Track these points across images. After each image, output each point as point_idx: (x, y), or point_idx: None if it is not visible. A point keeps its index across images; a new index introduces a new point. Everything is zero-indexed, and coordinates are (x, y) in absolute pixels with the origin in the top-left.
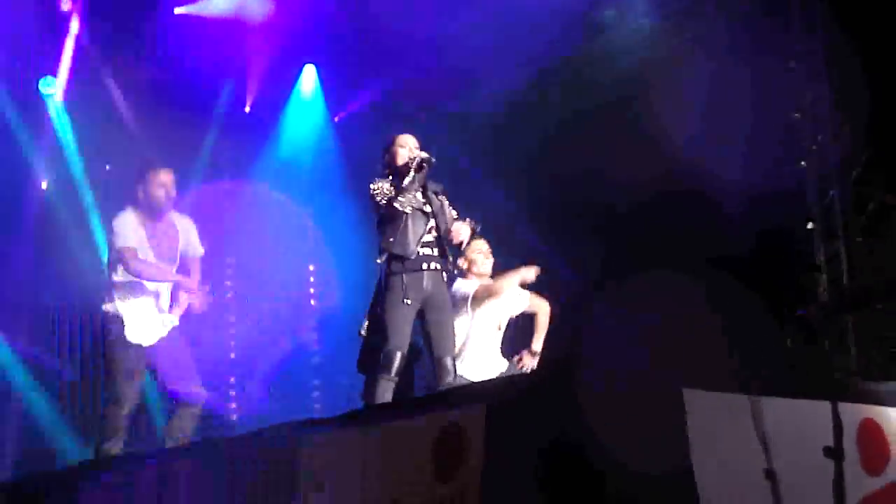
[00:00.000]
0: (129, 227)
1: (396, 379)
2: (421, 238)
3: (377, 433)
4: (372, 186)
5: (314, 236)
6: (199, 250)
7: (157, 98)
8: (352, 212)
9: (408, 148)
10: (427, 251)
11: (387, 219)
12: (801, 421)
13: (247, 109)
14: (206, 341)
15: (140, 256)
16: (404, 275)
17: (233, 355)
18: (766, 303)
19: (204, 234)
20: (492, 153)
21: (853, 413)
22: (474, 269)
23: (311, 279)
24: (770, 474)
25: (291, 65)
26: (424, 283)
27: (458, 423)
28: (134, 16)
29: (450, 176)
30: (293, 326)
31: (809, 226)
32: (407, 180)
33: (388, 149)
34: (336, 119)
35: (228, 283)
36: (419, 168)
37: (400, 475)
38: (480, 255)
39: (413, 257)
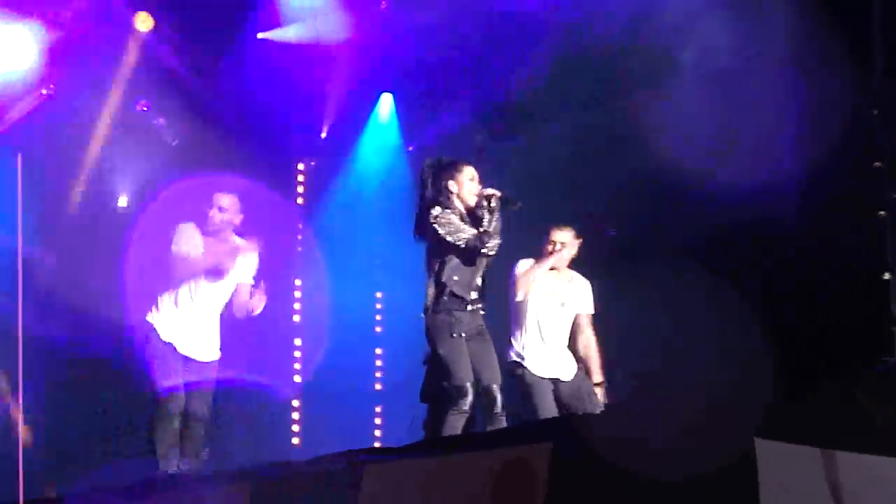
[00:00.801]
0: (184, 236)
1: (468, 413)
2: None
3: (439, 465)
4: (436, 215)
5: (383, 263)
6: (249, 280)
7: (235, 121)
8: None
9: (475, 182)
10: (475, 293)
11: (453, 254)
12: (876, 478)
13: (323, 135)
14: (268, 363)
15: (187, 267)
16: (455, 312)
17: (297, 378)
18: (841, 354)
19: (273, 256)
20: (558, 189)
21: None
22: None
23: (378, 305)
24: None
25: (368, 93)
26: (468, 318)
27: (524, 459)
28: (215, 39)
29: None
30: (357, 351)
31: (886, 276)
32: (492, 224)
33: (450, 176)
34: (410, 149)
35: (297, 305)
36: (501, 207)
37: None
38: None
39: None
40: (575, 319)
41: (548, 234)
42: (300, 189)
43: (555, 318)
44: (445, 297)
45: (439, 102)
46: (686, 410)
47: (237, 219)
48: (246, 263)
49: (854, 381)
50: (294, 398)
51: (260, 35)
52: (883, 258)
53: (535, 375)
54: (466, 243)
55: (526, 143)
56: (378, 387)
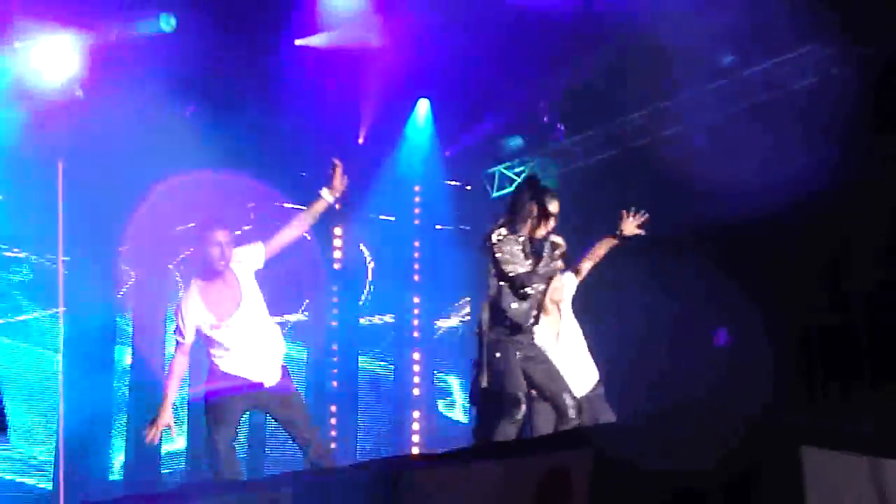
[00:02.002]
0: (186, 314)
1: (521, 422)
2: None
3: (480, 472)
4: (499, 238)
5: (421, 267)
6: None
7: (274, 127)
8: (456, 245)
9: (553, 218)
10: (533, 320)
11: (508, 286)
12: None
13: (360, 141)
14: (306, 369)
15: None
16: (512, 338)
17: (335, 384)
18: (886, 362)
19: (308, 260)
20: (599, 194)
21: None
22: None
23: (415, 311)
24: None
25: (405, 98)
26: (526, 339)
27: (565, 467)
28: (252, 44)
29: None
30: (392, 354)
31: None
32: (545, 269)
33: (539, 197)
34: (447, 154)
35: (335, 310)
36: (559, 259)
37: None
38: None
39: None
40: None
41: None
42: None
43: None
44: (501, 326)
45: (476, 108)
46: (730, 418)
47: (230, 253)
48: (249, 276)
49: None
50: (331, 403)
51: (298, 42)
52: None
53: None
54: (516, 277)
55: (562, 148)
56: (416, 392)
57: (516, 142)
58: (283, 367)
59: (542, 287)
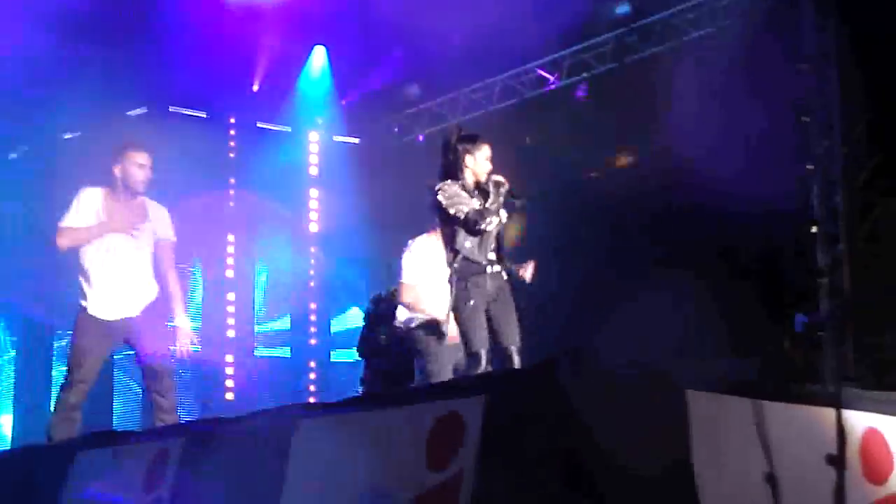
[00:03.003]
0: (81, 205)
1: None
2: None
3: (372, 419)
4: (440, 186)
5: (320, 220)
6: (172, 237)
7: (168, 76)
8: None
9: (488, 161)
10: (491, 255)
11: (462, 227)
12: (804, 427)
13: (255, 88)
14: (204, 320)
15: (90, 231)
16: (472, 277)
17: (231, 334)
18: (770, 306)
19: (199, 207)
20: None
21: (857, 422)
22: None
23: (312, 261)
24: (771, 479)
25: (301, 46)
26: (488, 284)
27: (457, 413)
28: None
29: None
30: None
31: (813, 230)
32: (494, 204)
33: (465, 148)
34: (344, 102)
35: (230, 261)
36: (506, 196)
37: (391, 462)
38: None
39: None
40: None
41: None
42: (232, 144)
43: None
44: (457, 265)
45: (374, 55)
46: (618, 364)
47: (151, 175)
48: (163, 223)
49: (782, 333)
50: (228, 352)
51: None
52: (810, 212)
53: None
54: (466, 215)
55: (455, 99)
56: (313, 342)
57: (414, 90)
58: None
59: (495, 220)
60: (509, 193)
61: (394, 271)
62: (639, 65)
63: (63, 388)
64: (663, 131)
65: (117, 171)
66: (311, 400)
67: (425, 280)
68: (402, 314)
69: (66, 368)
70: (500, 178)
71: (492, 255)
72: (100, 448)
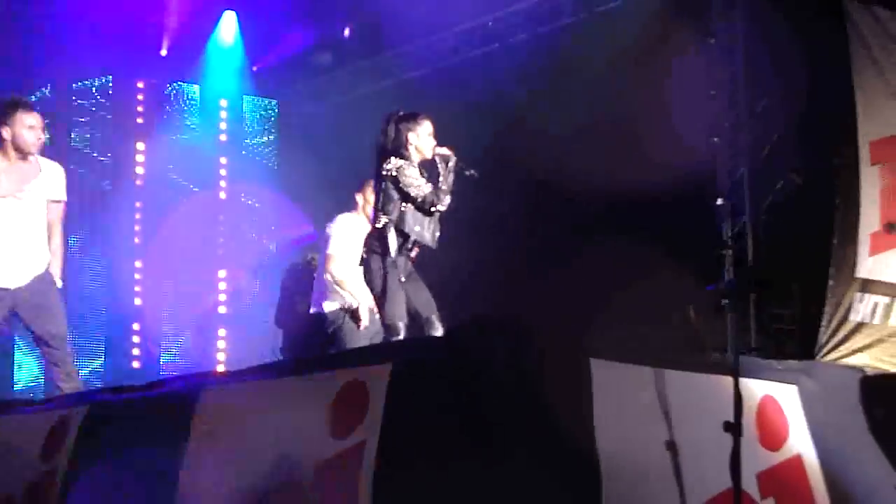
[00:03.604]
0: None
1: None
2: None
3: (275, 387)
4: (397, 166)
5: (229, 189)
6: (62, 197)
7: (71, 35)
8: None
9: (432, 136)
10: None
11: (417, 208)
12: (702, 395)
13: (163, 53)
14: (108, 288)
15: None
16: (396, 259)
17: (138, 301)
18: (675, 277)
19: (108, 176)
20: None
21: (753, 389)
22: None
23: (221, 229)
24: (671, 446)
25: (211, 10)
26: (403, 262)
27: (362, 382)
28: None
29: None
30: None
31: (719, 202)
32: (447, 183)
33: (409, 128)
34: (255, 69)
35: (137, 227)
36: (456, 171)
37: (295, 429)
38: None
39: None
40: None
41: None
42: (140, 109)
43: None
44: (409, 246)
45: (285, 22)
46: (523, 332)
47: (43, 136)
48: (56, 182)
49: (686, 302)
50: (135, 321)
51: None
52: (714, 184)
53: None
54: (424, 198)
55: (371, 66)
56: (222, 310)
57: (325, 57)
58: (45, 274)
59: (447, 200)
60: (458, 166)
61: (318, 242)
62: (548, 37)
63: None
64: (574, 104)
65: (5, 132)
66: (219, 368)
67: (349, 255)
68: (328, 303)
69: None
70: (445, 150)
71: (437, 236)
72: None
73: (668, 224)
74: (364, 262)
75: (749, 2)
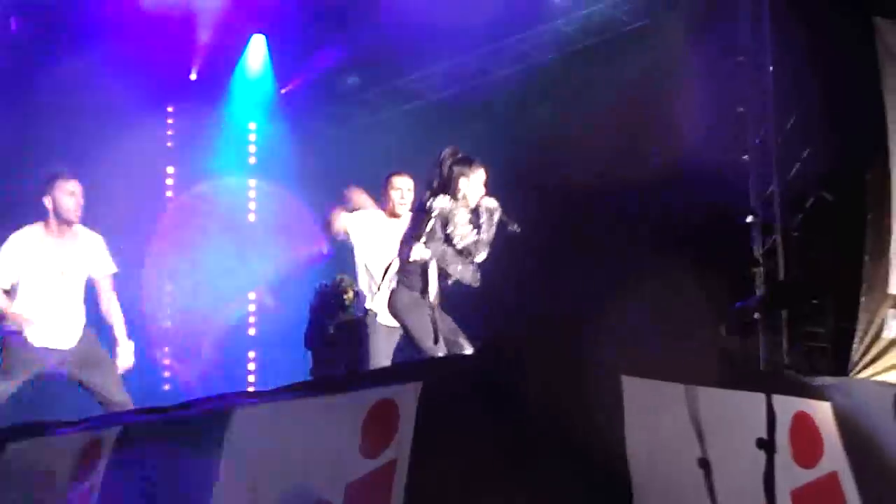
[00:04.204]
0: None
1: None
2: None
3: (306, 406)
4: (449, 209)
5: (258, 211)
6: (110, 268)
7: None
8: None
9: (483, 185)
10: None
11: (448, 248)
12: (735, 412)
13: (192, 77)
14: (139, 309)
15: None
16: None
17: (168, 324)
18: (706, 294)
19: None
20: (445, 131)
21: (787, 406)
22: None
23: (250, 250)
24: (703, 463)
25: (239, 34)
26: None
27: (391, 400)
28: None
29: (396, 146)
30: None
31: (749, 219)
32: (487, 235)
33: (461, 171)
34: (283, 91)
35: (167, 248)
36: (498, 227)
37: (325, 449)
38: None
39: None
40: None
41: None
42: (169, 133)
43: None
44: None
45: (313, 44)
46: (554, 351)
47: (82, 201)
48: (100, 254)
49: (717, 320)
50: (165, 343)
51: None
52: (746, 202)
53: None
54: (465, 247)
55: (400, 87)
56: (252, 332)
57: (353, 79)
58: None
59: (485, 252)
60: (502, 219)
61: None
62: (580, 55)
63: None
64: (604, 123)
65: (47, 201)
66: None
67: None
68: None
69: None
70: (492, 202)
71: (478, 276)
72: (28, 439)
73: (698, 242)
74: (395, 293)
75: (777, 17)
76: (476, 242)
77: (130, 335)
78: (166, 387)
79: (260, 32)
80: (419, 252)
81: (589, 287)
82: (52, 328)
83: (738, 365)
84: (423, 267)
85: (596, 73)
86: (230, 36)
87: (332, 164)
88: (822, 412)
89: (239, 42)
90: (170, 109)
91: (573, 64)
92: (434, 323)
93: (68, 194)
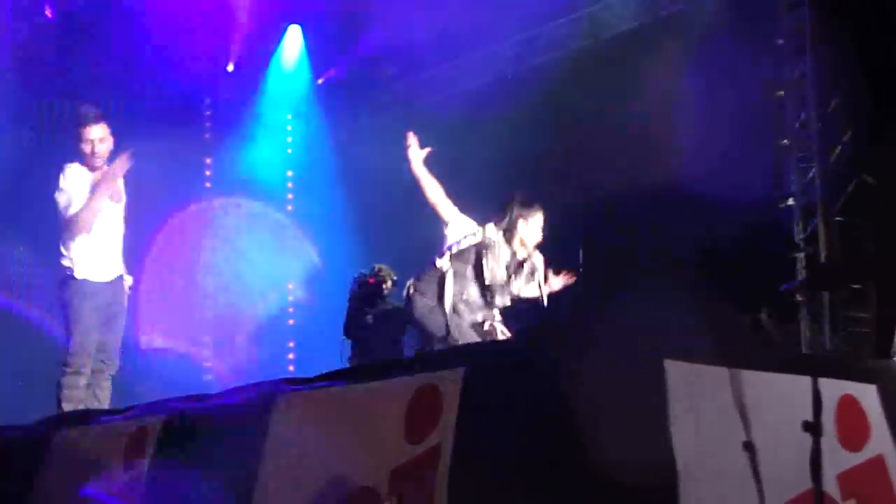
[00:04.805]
0: (74, 184)
1: None
2: None
3: (350, 393)
4: (494, 239)
5: (296, 202)
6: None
7: (140, 53)
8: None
9: (539, 229)
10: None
11: (477, 283)
12: (780, 395)
13: (230, 69)
14: (180, 297)
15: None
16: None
17: (209, 315)
18: (748, 278)
19: (178, 192)
20: (478, 121)
21: (832, 389)
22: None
23: (288, 241)
24: (749, 447)
25: (275, 25)
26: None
27: (435, 386)
28: None
29: (434, 139)
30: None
31: (790, 202)
32: (516, 286)
33: (521, 213)
34: (320, 81)
35: (206, 241)
36: (528, 280)
37: (369, 435)
38: None
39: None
40: None
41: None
42: (208, 125)
43: None
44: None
45: (349, 35)
46: (595, 335)
47: (111, 144)
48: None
49: (759, 304)
50: (205, 334)
51: None
52: (786, 186)
53: None
54: (491, 286)
55: (437, 75)
56: (291, 322)
57: (389, 69)
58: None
59: (506, 302)
60: (539, 276)
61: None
62: (614, 41)
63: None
64: (638, 111)
65: (86, 147)
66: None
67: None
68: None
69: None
70: (539, 260)
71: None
72: (76, 427)
73: (740, 226)
74: (410, 299)
75: (814, 1)
76: (501, 287)
77: (171, 327)
78: (208, 377)
79: (296, 23)
80: (445, 263)
81: (627, 272)
82: (104, 260)
83: (782, 348)
84: (441, 278)
85: (632, 58)
86: (266, 27)
87: (369, 155)
88: (869, 395)
89: (275, 33)
90: (207, 101)
91: (610, 50)
92: (447, 326)
93: (99, 140)
